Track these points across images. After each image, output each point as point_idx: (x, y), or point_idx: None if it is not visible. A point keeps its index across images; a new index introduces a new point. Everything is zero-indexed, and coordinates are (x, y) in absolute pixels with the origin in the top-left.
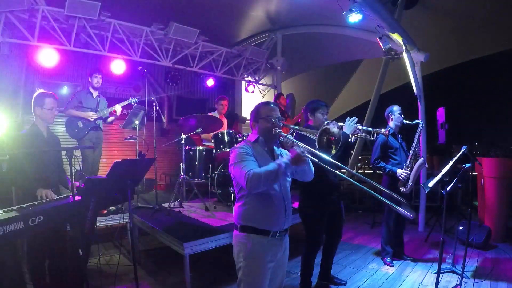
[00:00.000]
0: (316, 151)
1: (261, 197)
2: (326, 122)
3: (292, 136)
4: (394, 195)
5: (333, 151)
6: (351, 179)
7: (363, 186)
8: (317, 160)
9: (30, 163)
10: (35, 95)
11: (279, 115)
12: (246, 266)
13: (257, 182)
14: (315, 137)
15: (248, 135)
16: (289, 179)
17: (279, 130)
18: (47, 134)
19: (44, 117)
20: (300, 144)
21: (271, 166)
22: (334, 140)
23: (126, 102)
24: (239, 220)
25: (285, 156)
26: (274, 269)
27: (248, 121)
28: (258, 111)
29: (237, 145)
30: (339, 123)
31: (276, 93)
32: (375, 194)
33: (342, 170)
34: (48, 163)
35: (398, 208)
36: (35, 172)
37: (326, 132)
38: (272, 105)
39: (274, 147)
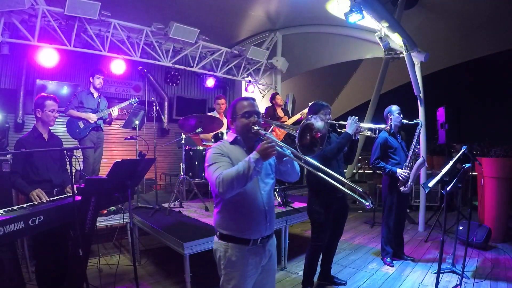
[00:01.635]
0: (284, 144)
1: (239, 203)
2: (309, 116)
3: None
4: (350, 183)
5: (317, 149)
6: (329, 179)
7: (340, 186)
8: (296, 159)
9: (32, 166)
10: (36, 98)
11: (258, 111)
12: (227, 275)
13: (228, 184)
14: (295, 133)
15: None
16: (272, 181)
17: (259, 128)
18: (49, 137)
19: (45, 119)
20: (273, 138)
21: (241, 165)
22: (320, 136)
23: (126, 103)
24: (218, 227)
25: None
26: (261, 278)
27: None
28: (234, 108)
29: (212, 145)
30: (341, 122)
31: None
32: (337, 184)
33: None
34: (51, 165)
35: (356, 196)
36: (37, 174)
37: (309, 128)
38: (250, 100)
39: (256, 146)
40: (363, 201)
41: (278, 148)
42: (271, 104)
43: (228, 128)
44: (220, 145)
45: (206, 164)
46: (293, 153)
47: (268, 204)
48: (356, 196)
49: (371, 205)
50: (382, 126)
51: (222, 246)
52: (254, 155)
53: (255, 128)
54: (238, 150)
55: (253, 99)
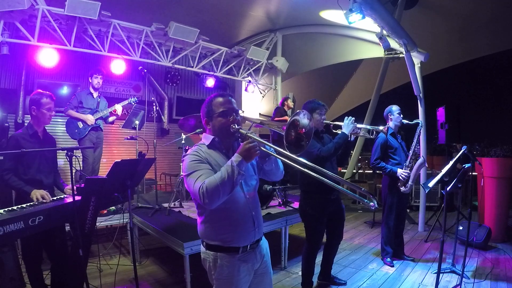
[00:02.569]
0: (262, 140)
1: (223, 210)
2: (296, 112)
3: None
4: (354, 186)
5: (305, 144)
6: (324, 179)
7: (339, 187)
8: (280, 157)
9: (23, 164)
10: (31, 95)
11: (236, 108)
12: (218, 286)
13: (214, 194)
14: (282, 132)
15: (202, 137)
16: (255, 182)
17: (238, 127)
18: (43, 135)
19: (40, 117)
20: (255, 137)
21: (223, 170)
22: (304, 132)
23: (126, 102)
24: (203, 237)
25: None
26: (256, 282)
27: (246, 121)
28: (210, 106)
29: (188, 151)
30: (336, 122)
31: (283, 96)
32: (335, 184)
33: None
34: (43, 165)
35: (358, 196)
36: (27, 173)
37: (295, 125)
38: (227, 96)
39: (236, 146)
40: (366, 201)
41: (262, 147)
42: (281, 106)
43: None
44: (196, 150)
45: (184, 174)
46: (276, 151)
47: (255, 209)
48: (357, 196)
49: (376, 206)
50: (380, 127)
51: (210, 256)
52: (236, 157)
53: (235, 127)
54: (217, 154)
55: (230, 95)
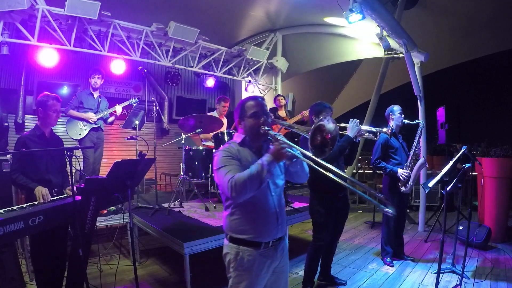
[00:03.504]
0: (296, 145)
1: (250, 206)
2: (320, 118)
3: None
4: (374, 192)
5: (328, 151)
6: (346, 184)
7: (358, 191)
8: (306, 160)
9: (32, 164)
10: (39, 97)
11: (267, 111)
12: (236, 277)
13: (242, 188)
14: (307, 135)
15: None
16: (282, 182)
17: (267, 128)
18: (50, 136)
19: (47, 119)
20: (284, 139)
21: (254, 167)
22: (330, 138)
23: (127, 103)
24: (228, 230)
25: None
26: (273, 280)
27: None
28: (242, 108)
29: (221, 148)
30: (341, 124)
31: (275, 94)
32: (359, 191)
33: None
34: (51, 165)
35: (380, 205)
36: (37, 173)
37: (321, 130)
38: (259, 99)
39: (265, 146)
40: (382, 206)
41: (290, 150)
42: (274, 106)
43: (235, 129)
44: (228, 147)
45: (215, 168)
46: (303, 154)
47: (279, 207)
48: (375, 201)
49: (394, 214)
50: (384, 129)
51: (232, 249)
52: (267, 157)
53: (264, 128)
54: (247, 151)
55: (262, 98)
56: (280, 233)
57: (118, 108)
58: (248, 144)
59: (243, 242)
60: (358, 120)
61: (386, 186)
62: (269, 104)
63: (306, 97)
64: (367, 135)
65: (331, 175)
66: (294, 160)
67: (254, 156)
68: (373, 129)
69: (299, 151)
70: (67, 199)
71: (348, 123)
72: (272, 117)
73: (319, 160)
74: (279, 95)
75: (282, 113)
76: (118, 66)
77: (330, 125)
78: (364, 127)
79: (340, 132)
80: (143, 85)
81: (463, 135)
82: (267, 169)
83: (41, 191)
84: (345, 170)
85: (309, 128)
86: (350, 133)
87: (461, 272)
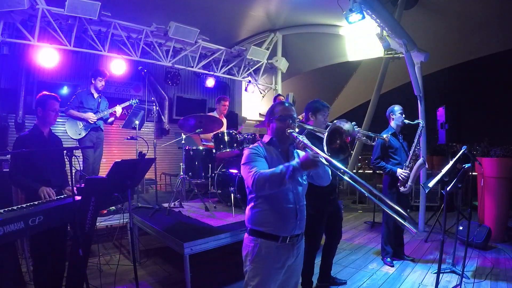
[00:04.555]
0: (329, 157)
1: (271, 200)
2: (335, 121)
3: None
4: (400, 209)
5: (343, 156)
6: (355, 184)
7: (368, 194)
8: (329, 166)
9: (31, 164)
10: (38, 96)
11: (294, 116)
12: (252, 270)
13: (262, 184)
14: (324, 136)
15: (263, 136)
16: (305, 183)
17: (292, 131)
18: (49, 136)
19: (46, 118)
20: (313, 147)
21: (278, 168)
22: (350, 141)
23: (127, 103)
24: (249, 223)
25: (296, 158)
26: (285, 277)
27: (248, 121)
28: (272, 111)
29: (250, 146)
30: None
31: (276, 94)
32: (380, 203)
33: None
34: (50, 165)
35: (402, 222)
36: (36, 173)
37: (339, 132)
38: (287, 105)
39: (291, 149)
40: (408, 226)
41: (322, 159)
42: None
43: (228, 127)
44: (257, 146)
45: (242, 162)
46: (327, 160)
47: (299, 203)
48: (403, 221)
49: (417, 232)
50: (384, 135)
51: (251, 241)
52: (295, 163)
53: (289, 131)
54: (273, 151)
55: (291, 104)
56: (298, 229)
57: (118, 109)
58: (274, 144)
59: (262, 235)
60: (355, 123)
61: (386, 186)
62: (269, 104)
63: (306, 97)
64: (363, 139)
65: (349, 181)
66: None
67: (279, 156)
68: (371, 134)
69: (323, 158)
70: (67, 199)
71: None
72: (298, 121)
73: (342, 166)
74: (279, 94)
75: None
76: (118, 66)
77: (346, 125)
78: (362, 131)
79: None
80: (143, 85)
81: (463, 135)
82: (291, 174)
83: (46, 191)
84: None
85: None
86: None
87: (461, 272)
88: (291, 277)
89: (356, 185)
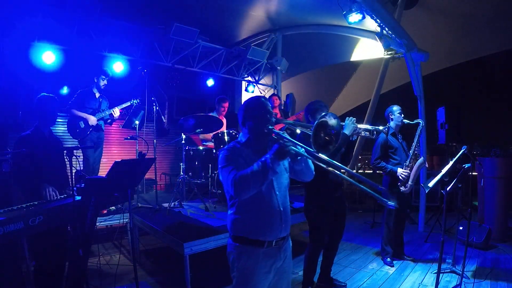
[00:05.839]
0: (302, 144)
1: (253, 204)
2: (323, 114)
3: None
4: (371, 181)
5: (332, 147)
6: (349, 178)
7: (360, 185)
8: (311, 157)
9: (32, 164)
10: (37, 97)
11: (271, 110)
12: (239, 277)
13: (244, 185)
14: (310, 131)
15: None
16: (286, 181)
17: (272, 127)
18: (49, 136)
19: (46, 118)
20: (288, 137)
21: (256, 164)
22: (334, 133)
23: (128, 103)
24: (231, 230)
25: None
26: (275, 281)
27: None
28: (246, 108)
29: (226, 147)
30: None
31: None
32: (359, 185)
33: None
34: (50, 165)
35: (379, 196)
36: (37, 173)
37: (324, 126)
38: (262, 99)
39: (270, 146)
40: (385, 200)
41: (294, 147)
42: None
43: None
44: (232, 147)
45: (219, 166)
46: (307, 151)
47: (283, 205)
48: (377, 195)
49: (396, 206)
50: (381, 127)
51: (236, 248)
52: (270, 155)
53: (268, 128)
54: (251, 151)
55: (265, 98)
56: (284, 232)
57: (116, 111)
58: (252, 144)
59: (246, 241)
60: (354, 118)
61: (386, 186)
62: None
63: (306, 97)
64: (363, 133)
65: (334, 170)
66: (299, 158)
67: (258, 155)
68: (369, 127)
69: (303, 149)
70: (67, 199)
71: (345, 121)
72: (277, 116)
73: (323, 156)
74: (273, 94)
75: (277, 112)
76: (118, 66)
77: (332, 120)
78: (361, 126)
79: None
80: (143, 85)
81: (463, 135)
82: (270, 167)
83: (49, 190)
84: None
85: (311, 125)
86: (346, 130)
87: (461, 272)
88: (282, 279)
89: (339, 173)
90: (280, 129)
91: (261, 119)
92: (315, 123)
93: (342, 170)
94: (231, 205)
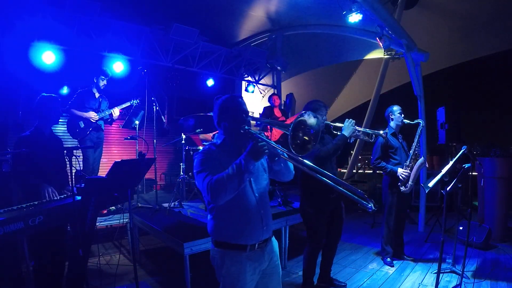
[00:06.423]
0: (279, 146)
1: (233, 207)
2: (301, 113)
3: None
4: (348, 184)
5: (311, 147)
6: (328, 181)
7: (340, 188)
8: (290, 160)
9: (32, 164)
10: (38, 98)
11: (247, 109)
12: (225, 282)
13: (221, 190)
14: (288, 131)
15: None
16: (265, 182)
17: (248, 127)
18: (50, 136)
19: (46, 119)
20: (264, 137)
21: (231, 168)
22: (313, 133)
23: (127, 104)
24: (213, 235)
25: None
26: (264, 282)
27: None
28: (221, 107)
29: (201, 149)
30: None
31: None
32: (336, 186)
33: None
34: (51, 165)
35: (359, 199)
36: (37, 173)
37: (302, 125)
38: (238, 98)
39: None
40: (363, 203)
41: (270, 148)
42: (269, 105)
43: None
44: (208, 149)
45: (194, 171)
46: (285, 152)
47: (264, 208)
48: (355, 197)
49: (374, 208)
50: (381, 132)
51: (218, 253)
52: (244, 156)
53: (245, 128)
54: (227, 152)
55: (241, 97)
56: (266, 234)
57: (116, 111)
58: (228, 145)
59: (228, 246)
60: (354, 121)
61: (386, 186)
62: (264, 103)
63: (306, 97)
64: (362, 137)
65: (316, 175)
66: (276, 158)
67: (235, 157)
68: (368, 131)
69: (280, 150)
70: (67, 199)
71: (344, 123)
72: (252, 115)
73: (300, 158)
74: (274, 94)
75: (277, 112)
76: (118, 66)
77: (311, 119)
78: (360, 128)
79: (334, 131)
80: (143, 85)
81: (463, 135)
82: (245, 168)
83: (49, 190)
84: (345, 170)
85: (289, 125)
86: (345, 132)
87: (461, 272)
88: (271, 281)
89: (317, 175)
90: (280, 135)
91: (237, 119)
92: (293, 122)
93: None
94: (210, 209)
